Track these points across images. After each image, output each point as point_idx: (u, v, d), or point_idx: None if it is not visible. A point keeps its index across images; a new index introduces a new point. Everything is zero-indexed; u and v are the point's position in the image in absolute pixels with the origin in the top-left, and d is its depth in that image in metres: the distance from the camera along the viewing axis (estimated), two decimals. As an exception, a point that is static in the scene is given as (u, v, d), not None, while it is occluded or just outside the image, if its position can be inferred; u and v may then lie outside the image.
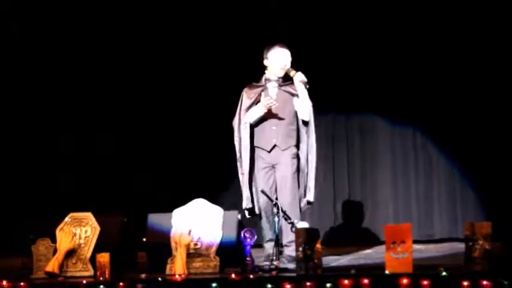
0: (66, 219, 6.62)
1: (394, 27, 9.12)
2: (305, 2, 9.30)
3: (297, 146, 7.06)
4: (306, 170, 7.02)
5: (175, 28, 9.53)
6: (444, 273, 5.25)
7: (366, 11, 9.18)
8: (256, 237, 6.34)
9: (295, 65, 7.07)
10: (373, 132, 9.38)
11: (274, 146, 6.95)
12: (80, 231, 6.54)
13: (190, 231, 6.34)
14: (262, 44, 7.21)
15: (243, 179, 7.00)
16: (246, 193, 6.98)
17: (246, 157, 6.99)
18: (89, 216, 6.61)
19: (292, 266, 6.34)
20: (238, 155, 7.06)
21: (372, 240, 9.05)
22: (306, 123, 7.06)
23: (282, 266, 6.20)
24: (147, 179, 9.40)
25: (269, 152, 6.96)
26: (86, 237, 6.52)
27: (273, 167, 6.98)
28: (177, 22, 9.53)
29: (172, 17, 9.53)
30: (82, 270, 6.41)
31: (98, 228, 6.53)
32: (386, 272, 5.44)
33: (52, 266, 6.34)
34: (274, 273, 5.93)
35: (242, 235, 6.20)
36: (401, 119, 9.22)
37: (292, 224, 6.24)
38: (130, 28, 9.54)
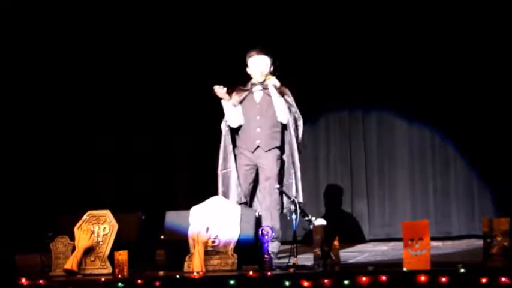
0: (84, 217, 6.63)
1: (414, 24, 9.08)
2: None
3: (282, 147, 7.27)
4: (291, 171, 7.20)
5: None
6: (462, 270, 5.23)
7: (387, 7, 9.17)
8: (274, 234, 6.36)
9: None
10: (390, 128, 9.36)
11: (258, 147, 7.18)
12: (98, 228, 6.55)
13: (208, 229, 6.35)
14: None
15: (229, 175, 7.22)
16: (237, 189, 7.18)
17: (230, 157, 7.24)
18: (107, 213, 6.62)
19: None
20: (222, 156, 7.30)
21: (389, 237, 9.06)
22: (284, 125, 7.26)
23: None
24: (165, 177, 9.45)
25: (252, 152, 7.18)
26: (104, 234, 6.52)
27: (255, 166, 7.22)
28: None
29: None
30: (100, 268, 6.42)
31: (116, 226, 6.54)
32: (405, 269, 5.43)
33: (70, 263, 6.35)
34: (291, 270, 5.93)
35: (260, 232, 6.20)
36: (418, 115, 9.19)
37: (310, 221, 6.25)
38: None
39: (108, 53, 9.56)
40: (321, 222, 6.22)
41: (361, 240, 9.17)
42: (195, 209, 6.59)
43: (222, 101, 7.22)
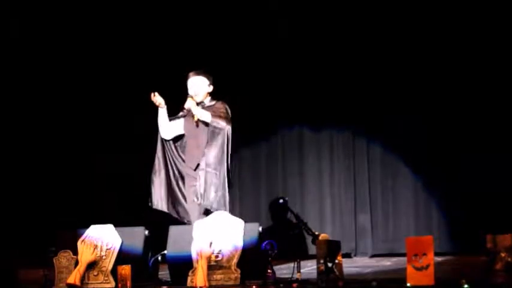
0: (88, 231, 6.64)
1: (420, 48, 9.16)
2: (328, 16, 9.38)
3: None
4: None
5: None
6: (466, 286, 5.22)
7: (399, 31, 9.24)
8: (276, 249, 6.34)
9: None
10: (393, 144, 9.34)
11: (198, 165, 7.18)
12: (101, 243, 6.56)
13: (211, 243, 6.34)
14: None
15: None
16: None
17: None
18: (110, 228, 6.62)
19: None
20: None
21: (393, 252, 9.03)
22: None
23: None
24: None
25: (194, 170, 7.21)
26: (107, 249, 6.53)
27: None
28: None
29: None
30: (103, 283, 6.42)
31: (119, 240, 6.54)
32: (408, 284, 5.42)
33: (74, 278, 6.35)
34: (295, 285, 5.92)
35: (263, 247, 6.19)
36: (422, 131, 9.19)
37: (314, 235, 6.23)
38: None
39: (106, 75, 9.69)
40: (324, 237, 6.21)
41: (365, 255, 9.15)
42: (198, 224, 6.59)
43: (159, 109, 7.30)
